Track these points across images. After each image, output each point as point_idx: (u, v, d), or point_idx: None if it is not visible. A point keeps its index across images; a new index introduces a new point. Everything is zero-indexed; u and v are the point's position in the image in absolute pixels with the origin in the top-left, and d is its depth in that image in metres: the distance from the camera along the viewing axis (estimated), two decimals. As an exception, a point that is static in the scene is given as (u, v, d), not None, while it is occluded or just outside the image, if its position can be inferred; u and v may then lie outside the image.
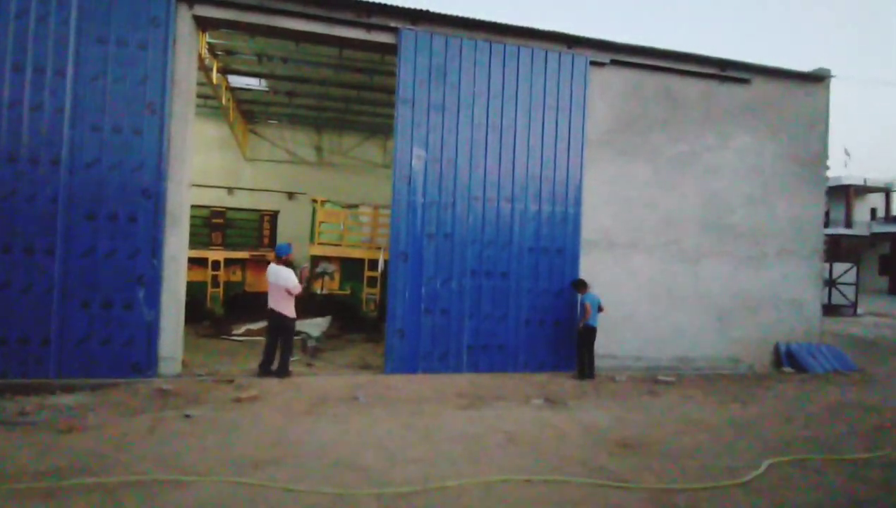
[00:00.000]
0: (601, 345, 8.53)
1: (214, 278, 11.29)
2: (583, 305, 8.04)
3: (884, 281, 31.62)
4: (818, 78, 9.84)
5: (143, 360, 6.91)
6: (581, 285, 8.17)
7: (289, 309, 7.33)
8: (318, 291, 11.01)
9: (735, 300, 9.39)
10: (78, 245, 6.76)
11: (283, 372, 7.27)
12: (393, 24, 7.81)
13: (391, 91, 9.59)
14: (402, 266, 7.87)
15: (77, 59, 6.78)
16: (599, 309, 8.12)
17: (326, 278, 10.99)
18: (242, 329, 10.31)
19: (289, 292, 7.25)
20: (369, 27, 7.76)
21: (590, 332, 8.05)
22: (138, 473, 4.13)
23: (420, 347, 7.90)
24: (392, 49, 8.01)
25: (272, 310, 7.32)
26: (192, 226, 8.14)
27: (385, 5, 7.67)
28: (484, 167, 8.17)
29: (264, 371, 7.24)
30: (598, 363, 8.47)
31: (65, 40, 6.75)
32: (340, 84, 12.66)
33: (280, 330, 7.33)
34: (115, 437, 4.89)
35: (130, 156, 6.92)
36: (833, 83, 9.92)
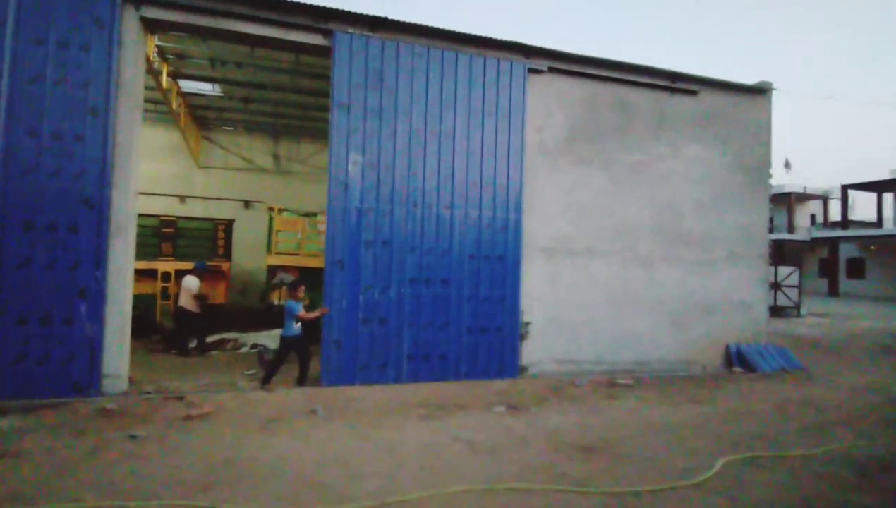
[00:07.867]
0: (563, 350, 8.66)
1: (164, 290, 10.86)
2: (296, 315, 7.26)
3: (823, 284, 33.38)
4: (761, 90, 10.31)
5: (84, 379, 6.52)
6: (299, 288, 7.51)
7: (192, 305, 9.62)
8: (276, 302, 10.73)
9: (687, 303, 9.68)
10: (12, 256, 6.34)
11: (187, 352, 9.47)
12: (328, 27, 7.62)
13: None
14: (339, 274, 7.65)
15: (14, 60, 6.40)
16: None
17: (284, 288, 10.71)
18: (194, 342, 9.90)
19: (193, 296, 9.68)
20: (295, 27, 7.51)
21: (300, 339, 7.47)
22: (78, 500, 3.87)
23: (358, 358, 7.67)
24: (325, 51, 7.80)
25: (181, 308, 9.59)
26: (140, 236, 7.80)
27: (318, 7, 7.47)
28: (423, 173, 8.05)
29: (182, 350, 9.48)
30: (559, 368, 8.59)
31: (0, 41, 6.36)
32: (298, 90, 12.44)
33: (189, 321, 9.65)
34: (53, 462, 4.57)
35: (71, 163, 6.56)
36: (775, 95, 10.43)
